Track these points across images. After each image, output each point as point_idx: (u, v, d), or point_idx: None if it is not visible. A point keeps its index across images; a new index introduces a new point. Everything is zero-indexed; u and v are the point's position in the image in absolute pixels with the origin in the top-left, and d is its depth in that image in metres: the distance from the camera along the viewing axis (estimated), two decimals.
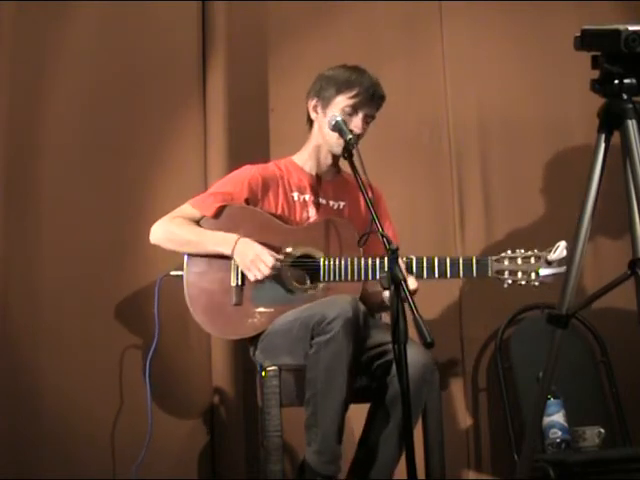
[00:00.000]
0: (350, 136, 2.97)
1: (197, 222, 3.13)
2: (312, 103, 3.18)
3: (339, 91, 3.11)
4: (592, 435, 3.54)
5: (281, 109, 3.85)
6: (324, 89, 3.14)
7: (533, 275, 3.01)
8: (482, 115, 4.04)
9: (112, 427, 3.42)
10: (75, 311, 3.43)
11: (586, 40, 2.30)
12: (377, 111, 3.16)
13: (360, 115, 3.12)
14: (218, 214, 3.12)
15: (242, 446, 3.58)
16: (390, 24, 4.01)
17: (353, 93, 3.10)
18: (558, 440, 3.52)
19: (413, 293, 2.94)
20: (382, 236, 2.69)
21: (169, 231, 3.12)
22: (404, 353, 2.49)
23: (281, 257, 3.05)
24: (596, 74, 2.32)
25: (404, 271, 2.91)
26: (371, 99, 3.12)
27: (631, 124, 2.28)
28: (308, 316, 2.89)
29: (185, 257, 3.10)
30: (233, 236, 3.06)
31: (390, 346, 2.70)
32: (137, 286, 3.53)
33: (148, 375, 3.29)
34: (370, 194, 2.85)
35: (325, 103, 3.14)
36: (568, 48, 2.36)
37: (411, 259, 3.02)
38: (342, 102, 3.11)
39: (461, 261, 3.03)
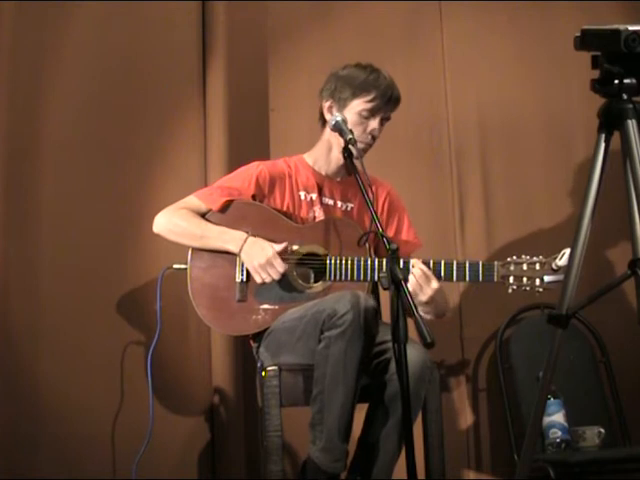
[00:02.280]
0: (350, 136, 2.97)
1: (202, 215, 3.11)
2: (327, 104, 3.15)
3: (355, 95, 3.10)
4: (592, 435, 3.53)
5: (281, 109, 3.86)
6: (339, 91, 3.12)
7: (538, 281, 3.01)
8: (482, 115, 4.04)
9: (112, 425, 3.43)
10: (76, 308, 3.43)
11: (586, 40, 2.30)
12: (393, 111, 3.16)
13: (377, 118, 3.12)
14: (224, 208, 3.11)
15: (242, 446, 3.58)
16: (390, 24, 4.01)
17: (370, 97, 3.09)
18: (558, 440, 3.52)
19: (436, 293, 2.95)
20: (382, 236, 2.70)
21: (172, 222, 3.10)
22: (404, 352, 2.49)
23: (293, 248, 3.04)
24: (596, 74, 2.32)
25: (423, 268, 2.93)
26: (387, 102, 3.12)
27: (631, 124, 2.27)
28: (317, 312, 2.87)
29: (189, 251, 3.09)
30: (241, 234, 3.05)
31: (389, 345, 2.71)
32: (137, 284, 3.53)
33: (150, 374, 3.28)
34: (371, 195, 2.85)
35: (340, 105, 3.12)
36: (568, 48, 2.36)
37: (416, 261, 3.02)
38: (359, 106, 3.10)
39: (467, 265, 3.03)
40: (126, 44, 3.65)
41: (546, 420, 3.52)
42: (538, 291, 3.03)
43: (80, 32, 3.57)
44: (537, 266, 3.02)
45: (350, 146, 2.98)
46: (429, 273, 2.96)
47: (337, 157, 3.18)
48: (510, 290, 3.03)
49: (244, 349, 3.49)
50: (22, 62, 3.44)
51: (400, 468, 2.76)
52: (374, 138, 3.14)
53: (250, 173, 3.17)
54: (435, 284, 2.96)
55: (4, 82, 3.39)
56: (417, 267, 2.96)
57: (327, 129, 3.16)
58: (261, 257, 3.00)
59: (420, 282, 2.93)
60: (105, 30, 3.61)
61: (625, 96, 2.28)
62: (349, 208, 3.22)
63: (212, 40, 3.78)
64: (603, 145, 2.32)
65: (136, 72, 3.67)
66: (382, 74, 3.13)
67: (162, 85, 3.70)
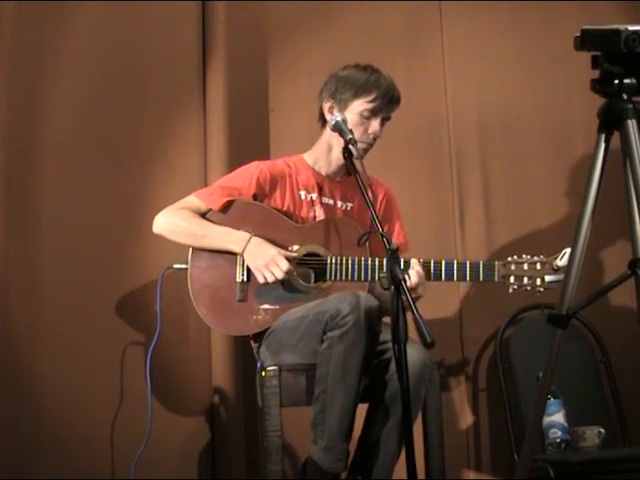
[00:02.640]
0: (350, 136, 2.97)
1: (202, 215, 3.10)
2: (327, 105, 3.15)
3: (357, 95, 3.10)
4: (592, 435, 3.53)
5: (281, 109, 3.86)
6: (340, 91, 3.12)
7: (539, 281, 3.02)
8: (482, 115, 4.04)
9: (112, 426, 3.42)
10: (74, 311, 3.43)
11: (586, 40, 2.30)
12: (393, 112, 3.17)
13: (378, 119, 3.12)
14: (225, 208, 3.10)
15: (242, 446, 3.58)
16: (390, 24, 4.01)
17: (371, 97, 3.10)
18: (558, 440, 3.52)
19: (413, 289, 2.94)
20: (382, 236, 2.70)
21: (173, 222, 3.09)
22: (404, 352, 2.49)
23: (294, 254, 3.05)
24: (596, 74, 2.32)
25: (419, 271, 2.93)
26: (389, 103, 3.12)
27: (631, 124, 2.28)
28: (319, 312, 2.88)
29: (190, 251, 3.09)
30: (244, 235, 3.05)
31: (389, 345, 2.71)
32: (137, 285, 3.53)
33: (149, 374, 3.28)
34: (370, 194, 2.85)
35: (342, 106, 3.11)
36: (568, 48, 2.36)
37: (417, 261, 3.02)
38: (360, 106, 3.10)
39: (468, 265, 3.03)
40: (126, 44, 3.65)
41: (546, 420, 3.52)
42: (539, 291, 3.03)
43: (80, 32, 3.57)
44: (538, 266, 3.03)
45: (350, 146, 2.98)
46: (422, 280, 2.96)
47: (337, 157, 3.18)
48: (511, 290, 3.04)
49: (244, 349, 3.49)
50: (22, 62, 3.44)
51: (400, 468, 2.76)
52: (375, 138, 3.14)
53: (251, 172, 3.17)
54: (422, 292, 2.97)
55: (4, 82, 3.39)
56: (415, 270, 2.96)
57: (327, 129, 3.16)
58: (265, 257, 3.00)
59: (412, 283, 2.94)
60: (105, 30, 3.61)
61: (625, 96, 2.29)
62: (349, 207, 3.22)
63: (212, 40, 3.78)
64: (603, 145, 2.33)
65: (136, 72, 3.67)
66: (383, 74, 3.14)
67: (162, 85, 3.70)
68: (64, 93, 3.52)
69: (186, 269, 3.08)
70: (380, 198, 3.27)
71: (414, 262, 2.98)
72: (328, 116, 3.15)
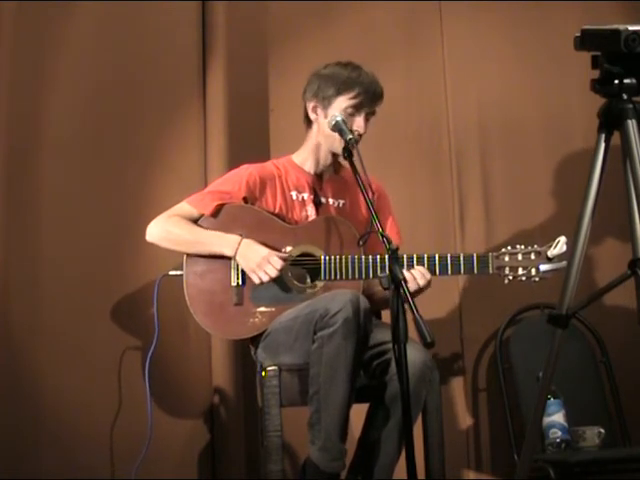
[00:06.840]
0: (350, 136, 2.97)
1: (195, 221, 3.12)
2: (311, 104, 3.16)
3: (339, 92, 3.10)
4: (592, 435, 3.53)
5: (281, 109, 3.86)
6: (322, 90, 3.12)
7: (533, 271, 3.02)
8: (482, 115, 4.04)
9: (112, 427, 3.43)
10: (75, 311, 3.44)
11: (586, 40, 2.31)
12: (377, 106, 3.16)
13: (362, 114, 3.11)
14: (216, 213, 3.10)
15: (242, 446, 3.58)
16: (390, 24, 4.01)
17: (354, 93, 3.09)
18: (558, 440, 3.52)
19: (426, 287, 2.97)
20: (382, 236, 2.70)
21: (165, 230, 3.11)
22: (404, 353, 2.49)
23: (286, 255, 3.05)
24: (596, 74, 2.33)
25: (418, 280, 2.94)
26: (372, 98, 3.11)
27: (631, 124, 2.28)
28: (310, 312, 2.88)
29: (184, 257, 3.09)
30: (235, 238, 3.05)
31: (389, 345, 2.70)
32: (136, 286, 3.54)
33: (147, 376, 3.28)
34: (370, 194, 2.85)
35: (325, 104, 3.12)
36: (568, 48, 2.37)
37: (412, 257, 3.02)
38: (343, 103, 3.10)
39: (462, 258, 3.03)
40: (126, 44, 3.65)
41: (546, 420, 3.52)
42: (534, 281, 3.04)
43: (80, 32, 3.57)
44: (532, 256, 3.04)
45: (350, 146, 2.97)
46: (420, 281, 2.97)
47: (326, 156, 3.19)
48: (506, 281, 3.04)
49: (244, 349, 3.49)
50: (22, 62, 3.44)
51: (400, 468, 2.76)
52: (360, 135, 3.13)
53: (240, 176, 3.17)
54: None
55: (4, 82, 3.40)
56: (416, 269, 2.97)
57: (313, 129, 3.18)
58: (257, 257, 3.01)
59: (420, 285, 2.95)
60: (105, 30, 3.61)
61: (625, 96, 2.29)
62: (341, 205, 3.22)
63: (212, 40, 3.78)
64: (603, 145, 2.33)
65: (136, 72, 3.67)
66: (364, 70, 3.14)
67: (162, 85, 3.70)
68: (64, 93, 3.52)
69: (181, 275, 3.08)
70: (370, 195, 3.26)
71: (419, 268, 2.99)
72: (312, 115, 3.16)
